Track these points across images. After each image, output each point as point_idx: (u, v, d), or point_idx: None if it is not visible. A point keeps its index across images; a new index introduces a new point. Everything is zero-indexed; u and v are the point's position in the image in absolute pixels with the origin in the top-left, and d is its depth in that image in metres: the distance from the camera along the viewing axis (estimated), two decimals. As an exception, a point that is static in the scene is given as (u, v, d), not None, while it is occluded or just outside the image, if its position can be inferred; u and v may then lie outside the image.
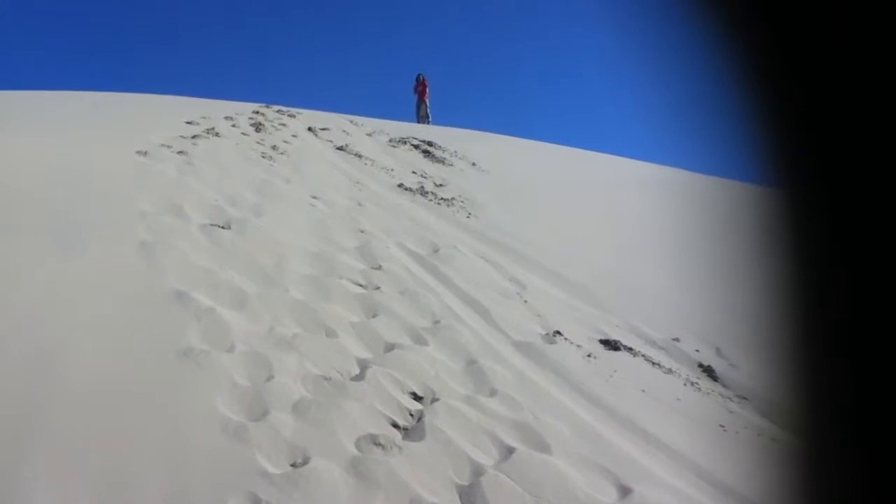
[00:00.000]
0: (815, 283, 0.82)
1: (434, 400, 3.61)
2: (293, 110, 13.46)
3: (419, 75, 17.77)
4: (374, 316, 4.59)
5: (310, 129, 11.99)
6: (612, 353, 4.79)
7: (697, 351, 5.09)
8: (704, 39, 0.85)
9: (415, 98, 17.67)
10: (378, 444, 3.12)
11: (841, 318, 0.79)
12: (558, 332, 4.91)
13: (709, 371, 4.81)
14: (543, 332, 4.92)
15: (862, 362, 0.76)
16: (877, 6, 0.73)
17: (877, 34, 0.72)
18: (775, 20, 0.79)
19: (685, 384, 4.56)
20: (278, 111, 13.07)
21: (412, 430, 3.33)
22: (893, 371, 0.73)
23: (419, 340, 4.32)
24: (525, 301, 5.52)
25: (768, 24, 0.80)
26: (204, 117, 10.62)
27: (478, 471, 3.05)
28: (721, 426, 4.06)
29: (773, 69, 0.80)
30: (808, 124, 0.78)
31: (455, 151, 12.12)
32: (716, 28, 0.84)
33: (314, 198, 7.47)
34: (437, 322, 4.69)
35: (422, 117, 17.23)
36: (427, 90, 17.58)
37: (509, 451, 3.25)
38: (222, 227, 5.67)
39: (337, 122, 13.24)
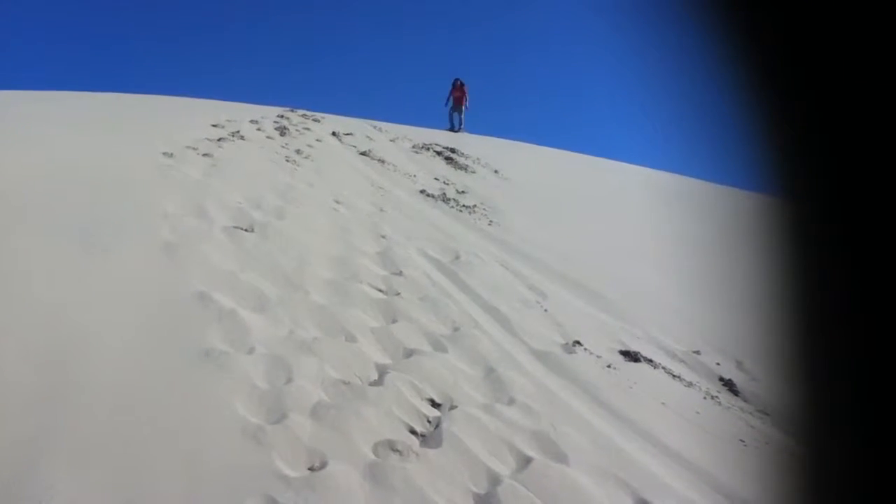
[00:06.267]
0: (821, 293, 0.82)
1: (452, 407, 3.60)
2: (318, 115, 13.56)
3: (457, 80, 16.62)
4: (394, 322, 4.59)
5: (334, 133, 12.06)
6: (633, 364, 4.75)
7: (718, 364, 5.04)
8: (713, 50, 0.85)
9: (449, 104, 16.60)
10: (395, 450, 3.12)
11: (845, 327, 0.79)
12: (578, 342, 4.88)
13: (729, 385, 4.76)
14: (563, 342, 4.90)
15: (866, 369, 0.76)
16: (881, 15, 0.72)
17: (881, 45, 0.72)
18: (780, 29, 0.79)
19: (705, 398, 4.51)
20: (303, 115, 13.19)
21: (430, 436, 3.32)
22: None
23: (439, 347, 4.32)
24: (545, 310, 5.50)
25: (773, 33, 0.80)
26: (229, 120, 10.73)
27: (495, 480, 3.03)
28: (741, 441, 4.01)
29: (779, 78, 0.80)
30: (814, 133, 0.78)
31: (477, 158, 12.14)
32: (724, 39, 0.85)
33: (337, 202, 7.50)
34: (456, 329, 4.68)
35: (455, 124, 16.41)
36: (466, 96, 16.49)
37: (527, 461, 3.23)
38: (245, 230, 5.71)
39: (361, 128, 13.32)
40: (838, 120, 0.76)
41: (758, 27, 0.82)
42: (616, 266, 7.47)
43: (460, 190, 9.69)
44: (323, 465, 2.91)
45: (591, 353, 4.76)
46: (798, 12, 0.78)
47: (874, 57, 0.72)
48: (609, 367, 4.61)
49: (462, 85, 16.55)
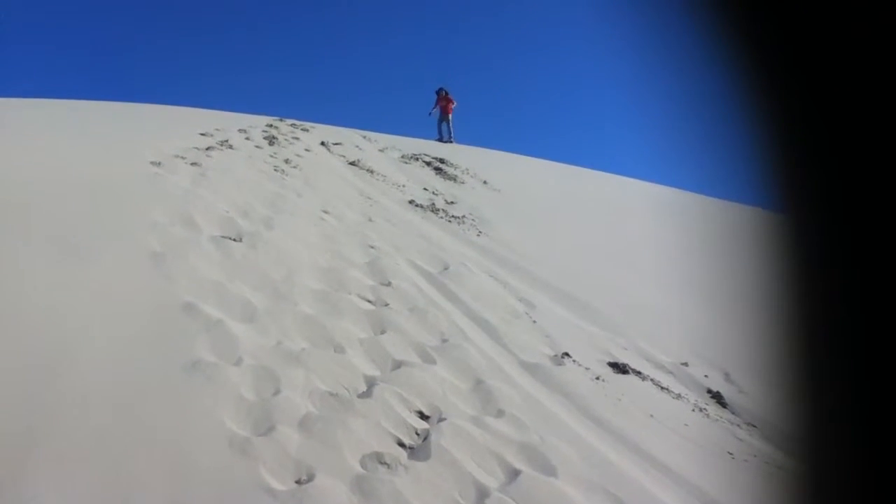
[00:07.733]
0: (816, 304, 0.81)
1: (441, 419, 3.59)
2: (307, 124, 13.56)
3: (441, 89, 16.40)
4: (383, 333, 4.57)
5: (323, 143, 12.06)
6: (621, 376, 4.75)
7: (706, 376, 5.06)
8: (713, 60, 0.85)
9: (436, 114, 16.36)
10: (383, 463, 3.10)
11: (842, 339, 0.78)
12: (567, 354, 4.88)
13: (717, 397, 4.78)
14: (552, 354, 4.90)
15: (863, 382, 0.76)
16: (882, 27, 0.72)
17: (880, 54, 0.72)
18: (781, 42, 0.79)
19: (693, 410, 4.52)
20: (292, 125, 13.18)
21: (418, 449, 3.31)
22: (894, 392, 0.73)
23: (427, 359, 4.31)
24: (534, 321, 5.50)
25: (774, 43, 0.80)
26: (218, 129, 10.71)
27: (483, 492, 3.02)
28: (729, 453, 4.02)
29: (778, 86, 0.80)
30: (810, 143, 0.78)
31: (466, 169, 12.16)
32: (724, 49, 0.85)
33: (325, 212, 7.49)
34: (445, 340, 4.67)
35: (444, 135, 16.21)
36: (451, 106, 16.30)
37: (515, 474, 3.22)
38: (233, 240, 5.68)
39: (350, 137, 13.32)
40: (837, 125, 0.76)
41: (759, 30, 0.82)
42: (605, 277, 7.48)
43: (449, 200, 9.69)
44: (310, 478, 2.89)
45: (580, 365, 4.76)
46: (799, 15, 0.78)
47: (875, 61, 0.72)
48: (597, 378, 4.61)
49: (447, 94, 16.39)
